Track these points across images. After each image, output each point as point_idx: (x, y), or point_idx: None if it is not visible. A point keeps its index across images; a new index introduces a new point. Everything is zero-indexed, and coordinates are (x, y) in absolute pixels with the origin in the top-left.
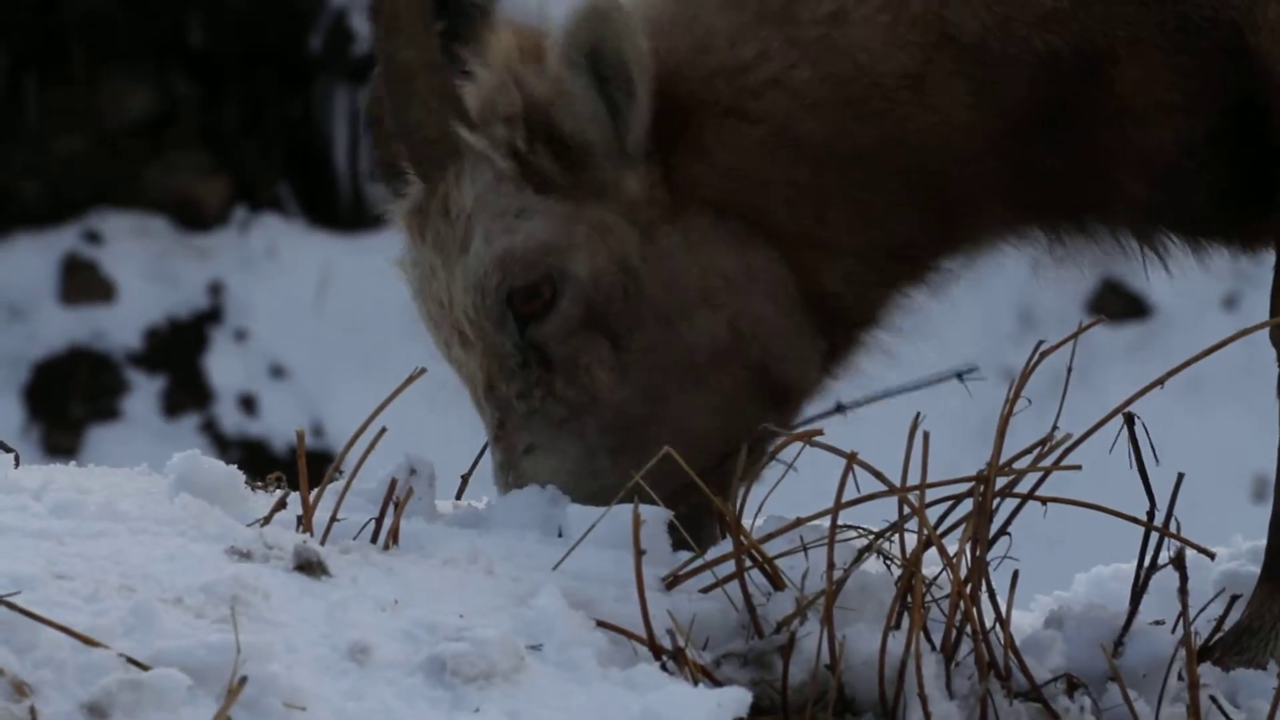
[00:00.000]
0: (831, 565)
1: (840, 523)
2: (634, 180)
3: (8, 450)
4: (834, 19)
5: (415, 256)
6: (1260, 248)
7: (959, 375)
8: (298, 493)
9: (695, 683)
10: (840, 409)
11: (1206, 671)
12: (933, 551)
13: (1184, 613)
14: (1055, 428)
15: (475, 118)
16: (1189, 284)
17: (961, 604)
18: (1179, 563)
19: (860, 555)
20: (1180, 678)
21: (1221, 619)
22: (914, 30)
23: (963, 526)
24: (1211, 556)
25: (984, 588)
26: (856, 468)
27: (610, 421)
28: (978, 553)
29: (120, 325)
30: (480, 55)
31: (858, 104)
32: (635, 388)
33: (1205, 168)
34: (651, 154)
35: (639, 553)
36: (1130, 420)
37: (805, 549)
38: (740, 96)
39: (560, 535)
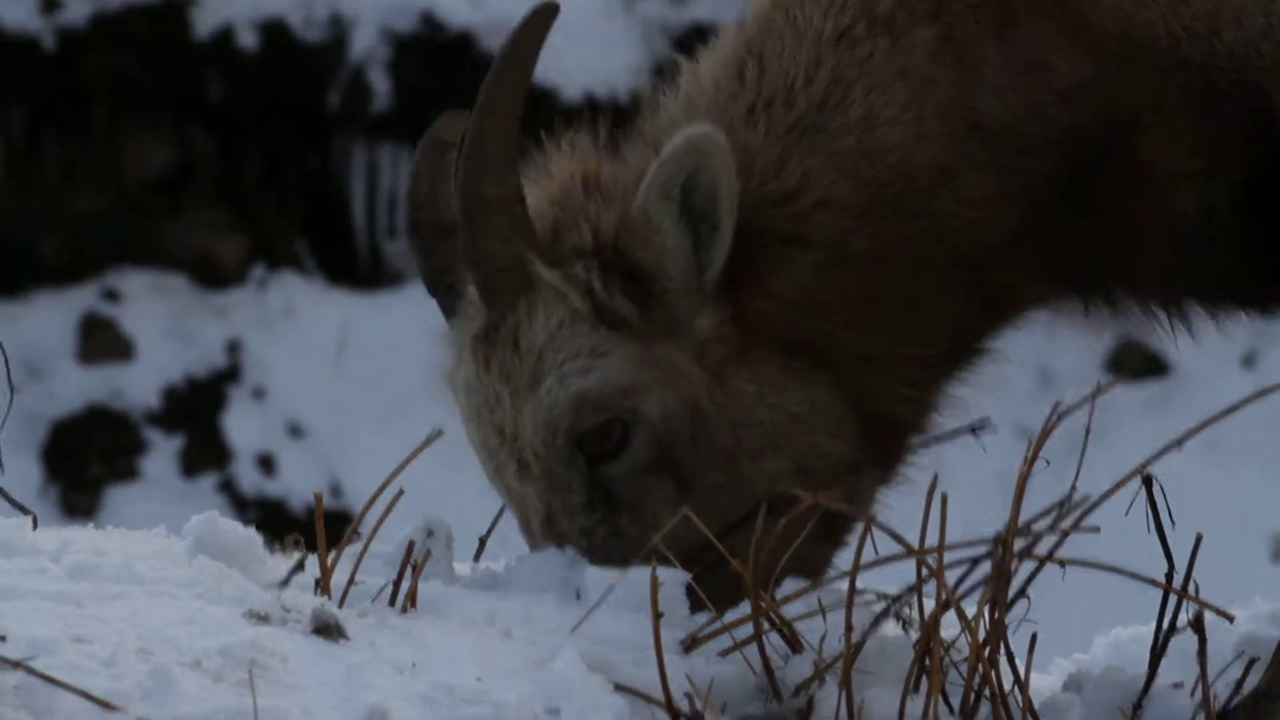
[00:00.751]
0: (850, 628)
1: (858, 585)
2: (706, 318)
3: (25, 512)
4: (864, 124)
5: (475, 382)
6: (1277, 308)
7: (973, 430)
8: (315, 555)
9: None
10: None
11: None
12: (951, 614)
13: (1203, 676)
14: (1074, 488)
15: (548, 252)
16: (1208, 343)
17: (980, 667)
18: (1198, 625)
19: (878, 618)
20: None
21: (1240, 682)
22: (941, 123)
23: (981, 588)
24: (1231, 619)
25: (1002, 650)
26: (874, 529)
27: (677, 559)
28: (996, 615)
29: (138, 384)
30: (540, 181)
31: (896, 204)
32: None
33: (1228, 229)
34: (721, 291)
35: (657, 615)
36: (1148, 481)
37: (824, 611)
38: (792, 223)
39: (578, 598)
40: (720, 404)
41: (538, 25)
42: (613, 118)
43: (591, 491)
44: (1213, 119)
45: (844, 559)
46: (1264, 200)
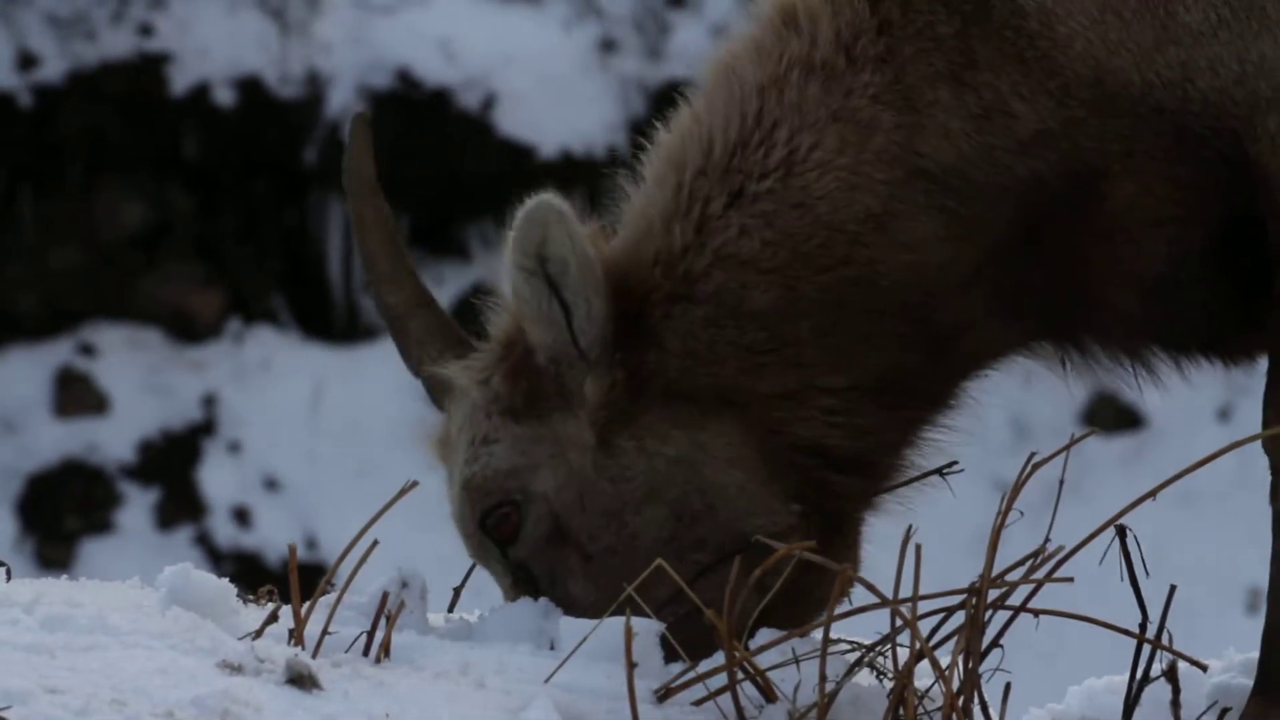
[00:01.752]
0: (824, 678)
1: (832, 635)
2: (593, 385)
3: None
4: (786, 168)
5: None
6: (1248, 359)
7: (939, 471)
8: (289, 606)
9: None
10: None
11: None
12: (925, 663)
13: None
14: (1048, 539)
15: (462, 349)
16: (1183, 396)
17: (954, 716)
18: (1172, 675)
19: (853, 667)
20: None
21: None
22: (878, 168)
23: (955, 638)
24: (1204, 669)
25: (976, 700)
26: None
27: None
28: (970, 665)
29: (114, 438)
30: None
31: (819, 255)
32: (605, 592)
33: (1199, 279)
34: (611, 355)
35: (631, 665)
36: (1122, 532)
37: (798, 661)
38: (682, 282)
39: (552, 648)
40: (602, 465)
41: (360, 137)
42: (590, 175)
43: (514, 573)
44: (1186, 167)
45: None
46: (1237, 250)
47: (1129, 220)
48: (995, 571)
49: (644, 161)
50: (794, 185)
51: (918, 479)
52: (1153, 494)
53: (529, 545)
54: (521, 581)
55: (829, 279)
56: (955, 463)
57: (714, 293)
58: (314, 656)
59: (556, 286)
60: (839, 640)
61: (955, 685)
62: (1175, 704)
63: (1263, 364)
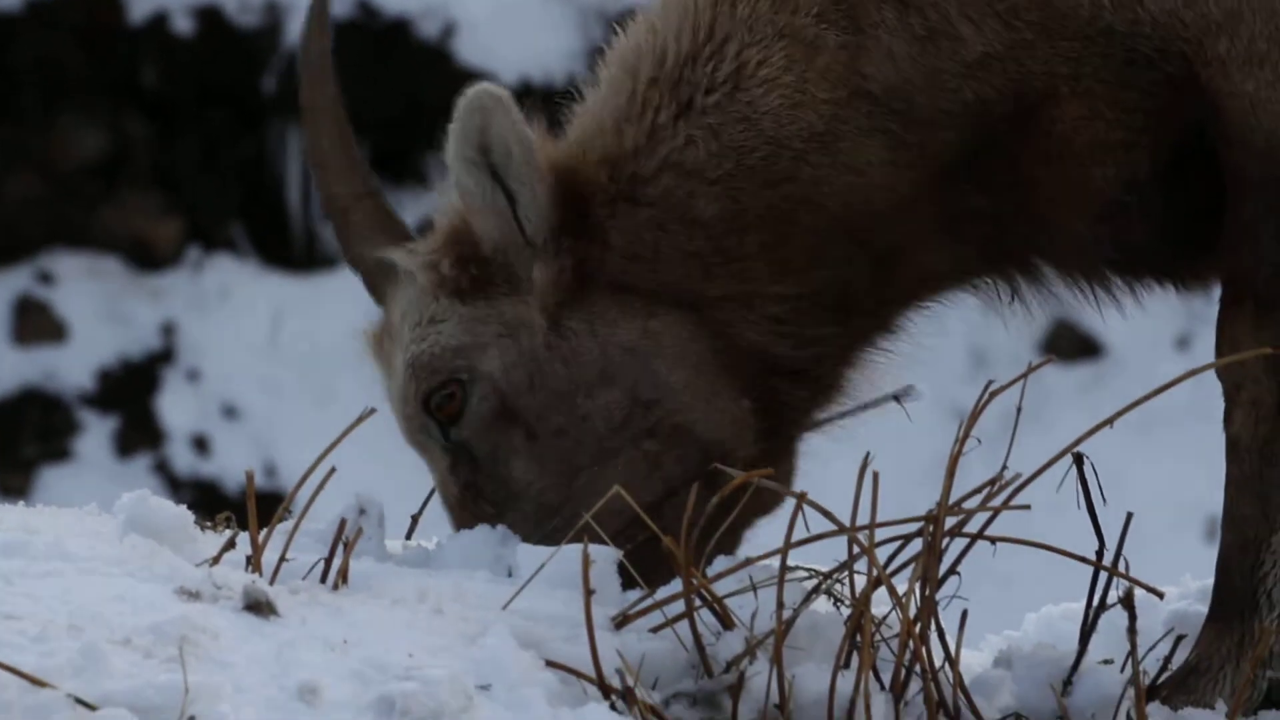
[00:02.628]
0: (781, 605)
1: (790, 562)
2: (541, 270)
3: None
4: (733, 82)
5: (382, 378)
6: (1201, 284)
7: (895, 397)
8: (247, 533)
9: None
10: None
11: (1155, 711)
12: (882, 591)
13: (1133, 652)
14: (1005, 467)
15: (408, 240)
16: (1142, 324)
17: (911, 643)
18: (1128, 602)
19: (810, 595)
20: (1129, 717)
21: (1168, 658)
22: (822, 87)
23: (912, 566)
24: (1161, 596)
25: (933, 627)
26: (806, 507)
27: (531, 512)
28: (927, 592)
29: (72, 366)
30: None
31: (763, 170)
32: (551, 474)
33: (1148, 202)
34: (558, 242)
35: (588, 592)
36: (1079, 460)
37: (755, 588)
38: (628, 183)
39: (510, 575)
40: (554, 346)
41: (318, 16)
42: (549, 103)
43: (454, 455)
44: (1134, 91)
45: (776, 536)
46: (1187, 174)
47: (1077, 143)
48: (953, 499)
49: (600, 65)
50: (740, 100)
51: (874, 404)
52: (1110, 422)
53: (473, 424)
54: (461, 463)
55: (774, 195)
56: (912, 387)
57: (660, 196)
58: (271, 583)
59: (500, 175)
60: (796, 568)
61: (912, 612)
62: (1132, 631)
63: (1219, 291)
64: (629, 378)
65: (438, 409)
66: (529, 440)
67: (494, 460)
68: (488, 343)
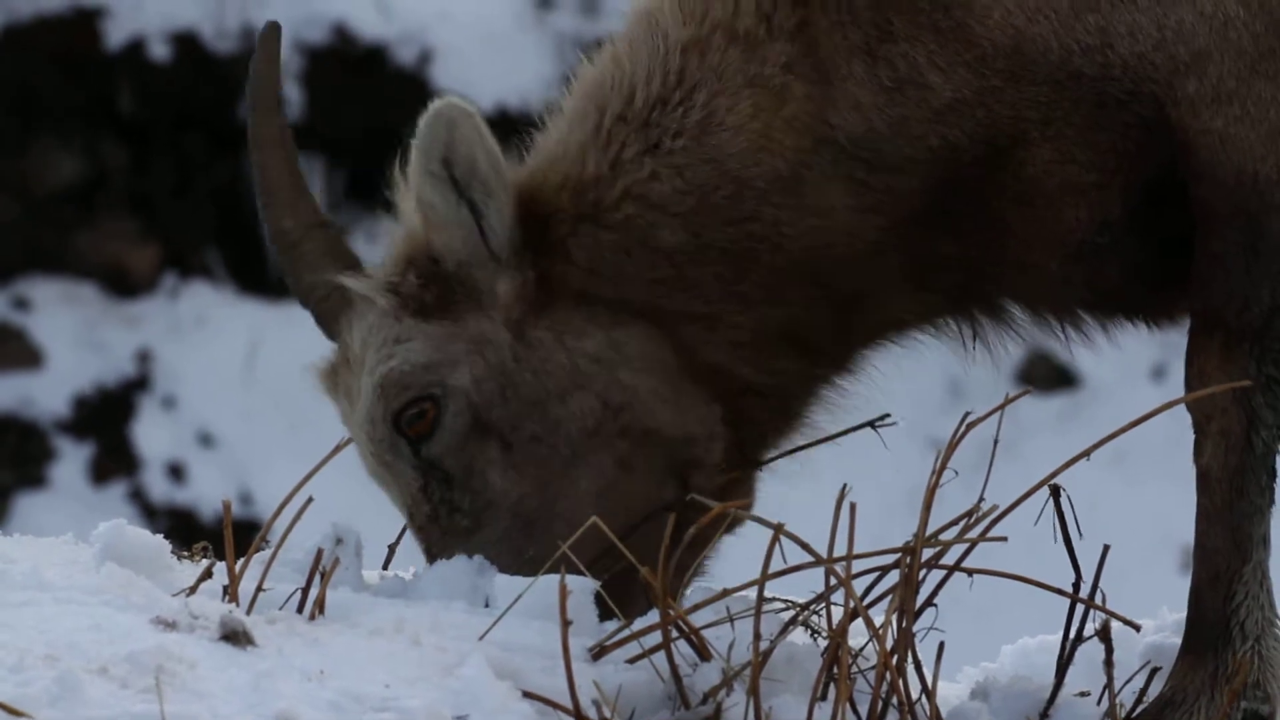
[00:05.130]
0: (758, 636)
1: (767, 594)
2: (505, 285)
3: None
4: (701, 128)
5: (342, 412)
6: (1169, 321)
7: (872, 424)
8: (224, 562)
9: None
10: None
11: None
12: (859, 622)
13: (1109, 685)
14: (982, 499)
15: (359, 268)
16: (1117, 355)
17: (888, 675)
18: (1104, 635)
19: (787, 626)
20: None
21: (1143, 691)
22: (788, 134)
23: (889, 597)
24: (1137, 628)
25: (910, 659)
26: (783, 538)
27: (510, 522)
28: (904, 624)
29: (48, 392)
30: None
31: (726, 208)
32: (528, 481)
33: (1121, 242)
34: (522, 257)
35: (565, 623)
36: (1056, 492)
37: (732, 620)
38: (590, 206)
39: (487, 605)
40: (523, 357)
41: (268, 48)
42: (526, 130)
43: (426, 474)
44: (1105, 132)
45: (753, 566)
46: (1158, 212)
47: (1048, 187)
48: (929, 530)
49: (565, 95)
50: (708, 143)
51: (850, 431)
52: (1087, 454)
53: (446, 440)
54: (434, 481)
55: (736, 232)
56: (888, 415)
57: (623, 222)
58: (248, 613)
59: (464, 189)
60: (773, 599)
61: (889, 644)
62: (1108, 663)
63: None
64: (598, 384)
65: (408, 426)
66: (504, 451)
67: (469, 474)
68: (457, 358)
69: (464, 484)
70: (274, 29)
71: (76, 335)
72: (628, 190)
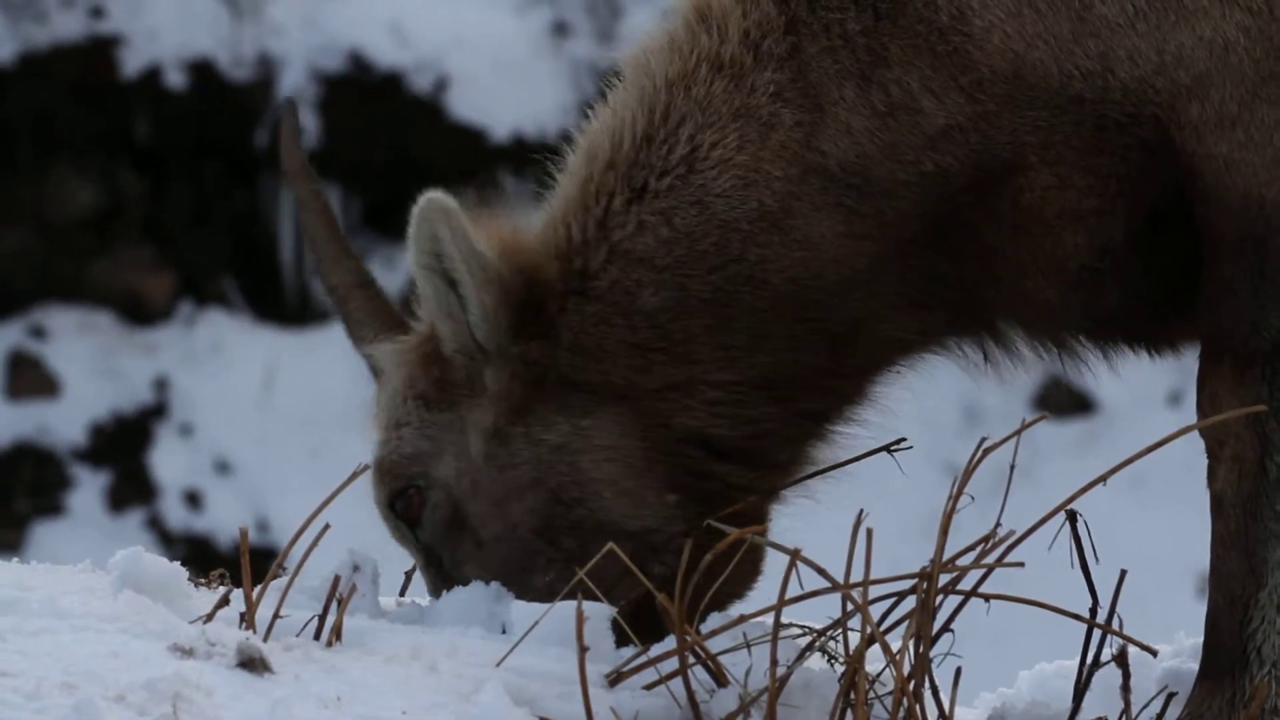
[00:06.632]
0: (775, 662)
1: (784, 619)
2: (493, 376)
3: None
4: (687, 165)
5: None
6: (1171, 349)
7: (888, 449)
8: (241, 589)
9: None
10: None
11: None
12: (876, 648)
13: (1126, 710)
14: (998, 524)
15: (396, 333)
16: (1133, 380)
17: (905, 701)
18: (1122, 660)
19: (803, 652)
20: None
21: (1160, 716)
22: (776, 164)
23: (906, 623)
24: (1154, 654)
25: (927, 685)
26: (800, 564)
27: None
28: (921, 650)
29: (65, 421)
30: None
31: (712, 254)
32: (496, 578)
33: (1123, 267)
34: (509, 346)
35: (583, 649)
36: (1073, 517)
37: (749, 645)
38: (578, 278)
39: (504, 632)
40: (492, 454)
41: (289, 125)
42: (542, 157)
43: (425, 553)
44: (1106, 156)
45: (769, 592)
46: (1160, 237)
47: (1047, 212)
48: (946, 556)
49: (571, 147)
50: (694, 182)
51: (865, 455)
52: (1103, 479)
53: (430, 530)
54: (432, 563)
55: (719, 278)
56: (904, 439)
57: (608, 289)
58: (265, 640)
59: (454, 283)
60: (790, 624)
61: (906, 670)
62: (1125, 689)
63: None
64: (555, 478)
65: (402, 512)
66: (476, 548)
67: (454, 564)
68: (444, 450)
69: (452, 572)
70: (291, 107)
71: (93, 363)
72: (614, 249)
